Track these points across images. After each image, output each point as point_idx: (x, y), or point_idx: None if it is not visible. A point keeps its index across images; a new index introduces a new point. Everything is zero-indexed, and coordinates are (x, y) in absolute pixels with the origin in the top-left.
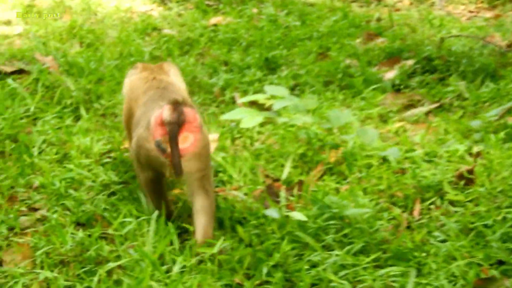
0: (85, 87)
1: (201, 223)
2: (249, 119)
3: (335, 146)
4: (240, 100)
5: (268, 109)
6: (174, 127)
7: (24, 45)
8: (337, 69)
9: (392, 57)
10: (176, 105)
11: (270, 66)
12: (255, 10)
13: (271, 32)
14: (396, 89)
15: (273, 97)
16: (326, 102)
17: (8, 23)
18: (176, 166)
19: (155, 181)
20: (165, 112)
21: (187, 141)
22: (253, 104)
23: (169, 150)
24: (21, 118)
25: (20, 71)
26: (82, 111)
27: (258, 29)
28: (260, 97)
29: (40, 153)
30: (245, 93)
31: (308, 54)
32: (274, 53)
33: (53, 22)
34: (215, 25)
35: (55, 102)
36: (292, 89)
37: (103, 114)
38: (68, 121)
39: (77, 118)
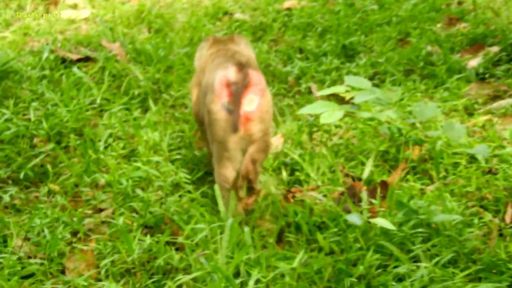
0: (154, 76)
1: (252, 149)
2: (329, 114)
3: (419, 142)
4: (319, 93)
5: (348, 101)
6: (238, 87)
7: (90, 30)
8: (418, 56)
9: (475, 44)
10: (241, 66)
11: (348, 54)
12: None
13: (348, 17)
14: (481, 78)
15: (353, 89)
16: (407, 93)
17: (74, 6)
18: (234, 123)
19: (226, 157)
20: (230, 73)
21: (252, 104)
22: (331, 95)
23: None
24: (87, 110)
25: (86, 59)
26: (151, 103)
27: (334, 13)
28: (340, 90)
29: (106, 147)
30: (321, 83)
31: (387, 40)
32: (352, 40)
33: (121, 5)
34: (289, 9)
35: (122, 92)
36: (371, 78)
37: (173, 105)
38: (136, 113)
39: (146, 109)
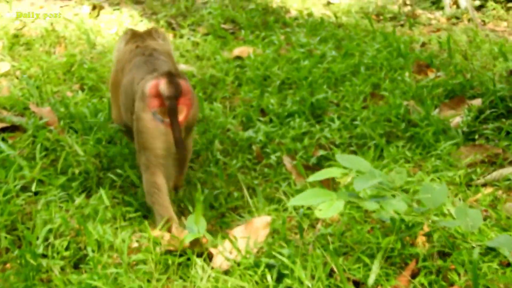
0: (95, 149)
1: (176, 172)
2: (327, 206)
3: (428, 234)
4: (310, 179)
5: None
6: (173, 102)
7: (13, 89)
8: (397, 115)
9: (454, 96)
10: (172, 77)
11: (316, 113)
12: (282, 37)
13: (308, 67)
14: (469, 138)
15: (349, 171)
16: (393, 164)
17: None
18: (178, 141)
19: (155, 163)
20: (162, 86)
21: (181, 114)
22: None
23: (166, 120)
24: (17, 195)
25: (12, 128)
26: (94, 185)
27: (291, 62)
28: (334, 173)
29: (47, 246)
30: (292, 152)
31: (357, 94)
32: (319, 97)
33: (46, 57)
34: (239, 58)
35: (59, 171)
36: (348, 144)
37: (122, 186)
38: (78, 199)
39: (89, 193)
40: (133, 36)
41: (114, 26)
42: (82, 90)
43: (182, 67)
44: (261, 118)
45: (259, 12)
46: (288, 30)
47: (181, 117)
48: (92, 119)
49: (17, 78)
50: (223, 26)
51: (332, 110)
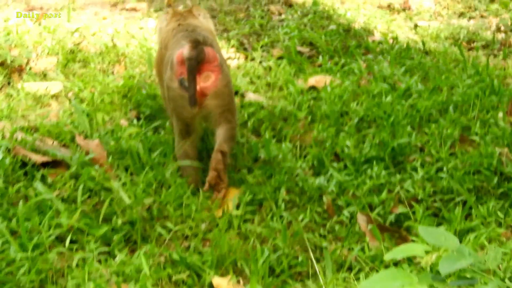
0: (144, 196)
1: (219, 140)
2: None
3: None
4: (387, 256)
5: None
6: (192, 63)
7: (62, 114)
8: (489, 166)
9: None
10: (196, 43)
11: (397, 159)
12: (363, 65)
13: (390, 103)
14: None
15: (434, 248)
16: (483, 227)
17: (43, 76)
18: (191, 97)
19: (186, 131)
20: (185, 50)
21: (208, 80)
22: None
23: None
24: (50, 248)
25: (54, 163)
26: (139, 239)
27: (372, 96)
28: (416, 251)
29: None
30: (368, 208)
31: (444, 138)
32: (401, 141)
33: (103, 77)
34: (314, 88)
35: (102, 219)
36: (433, 201)
37: (171, 239)
38: (120, 255)
39: (132, 248)
40: (175, 15)
41: None
42: (138, 118)
43: (251, 96)
44: (335, 164)
45: (340, 35)
46: (371, 57)
47: (208, 83)
48: (145, 156)
49: (69, 100)
50: (299, 48)
51: (415, 156)
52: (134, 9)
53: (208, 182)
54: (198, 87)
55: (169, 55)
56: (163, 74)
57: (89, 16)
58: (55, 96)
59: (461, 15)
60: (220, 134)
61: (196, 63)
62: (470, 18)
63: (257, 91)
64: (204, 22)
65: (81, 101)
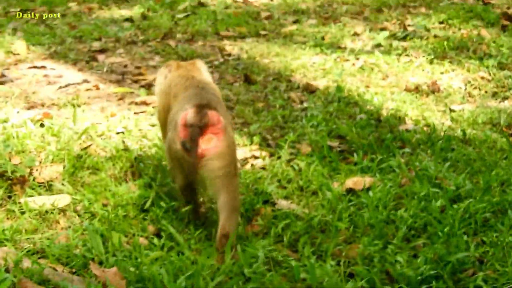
0: None
1: (222, 218)
2: None
3: None
4: None
5: None
6: (195, 129)
7: (72, 234)
8: None
9: None
10: (200, 108)
11: (456, 275)
12: (402, 160)
13: (439, 208)
14: None
15: None
16: None
17: (48, 187)
18: (192, 162)
19: (187, 186)
20: (189, 115)
21: (210, 143)
22: None
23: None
24: None
25: None
26: None
27: (418, 199)
28: None
29: None
30: None
31: (506, 248)
32: (459, 255)
33: (115, 185)
34: (353, 191)
35: None
36: None
37: None
38: None
39: None
40: (179, 66)
41: None
42: (158, 235)
43: (283, 204)
44: (388, 286)
45: (371, 125)
46: (408, 150)
47: (210, 145)
48: (171, 284)
49: (78, 215)
50: (329, 143)
51: (475, 270)
52: (144, 103)
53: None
54: (199, 150)
55: (176, 110)
56: (167, 124)
57: (95, 112)
58: (63, 211)
59: (494, 95)
60: (222, 208)
61: (198, 129)
62: (504, 98)
63: (288, 196)
64: (207, 76)
65: (92, 216)
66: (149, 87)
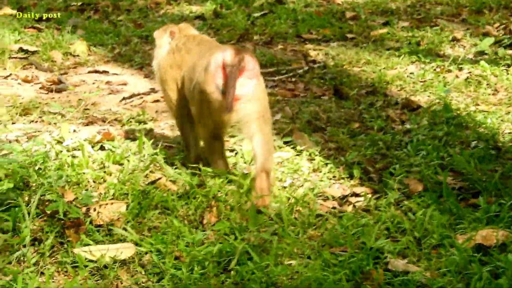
0: None
1: (261, 158)
2: None
3: None
4: None
5: None
6: (235, 70)
7: None
8: None
9: None
10: (238, 50)
11: None
12: None
13: None
14: None
15: None
16: None
17: (108, 231)
18: (228, 102)
19: (213, 137)
20: (227, 56)
21: (245, 87)
22: None
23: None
24: None
25: None
26: None
27: None
28: None
29: None
30: None
31: None
32: None
33: (189, 230)
34: (482, 246)
35: None
36: None
37: None
38: None
39: None
40: (181, 29)
41: None
42: None
43: (399, 265)
44: None
45: (490, 156)
46: None
47: (245, 89)
48: None
49: (144, 270)
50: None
51: None
52: None
53: (256, 203)
54: (236, 93)
55: (195, 62)
56: (177, 79)
57: (165, 131)
58: (125, 263)
59: None
60: (258, 148)
61: (237, 70)
62: None
63: (403, 252)
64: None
65: (161, 273)
66: None
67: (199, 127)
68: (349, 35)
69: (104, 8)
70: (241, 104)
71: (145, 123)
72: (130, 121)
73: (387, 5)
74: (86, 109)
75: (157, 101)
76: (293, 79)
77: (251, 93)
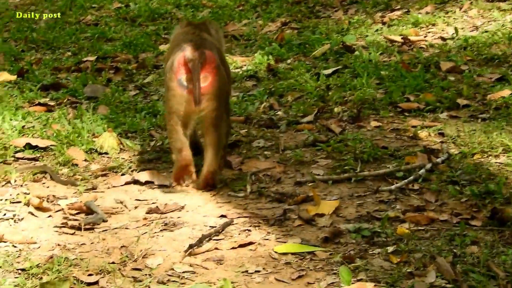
0: None
1: (208, 156)
2: None
3: None
4: None
5: None
6: (196, 64)
7: None
8: None
9: None
10: (197, 45)
11: None
12: None
13: None
14: None
15: None
16: None
17: None
18: (196, 96)
19: (181, 130)
20: (187, 52)
21: (205, 81)
22: None
23: (190, 86)
24: None
25: None
26: None
27: None
28: None
29: None
30: None
31: None
32: None
33: None
34: None
35: None
36: None
37: None
38: None
39: None
40: (188, 24)
41: None
42: None
43: None
44: None
45: None
46: None
47: (205, 83)
48: None
49: None
50: None
51: None
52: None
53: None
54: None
55: (170, 57)
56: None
57: None
58: None
59: None
60: (209, 146)
61: (199, 64)
62: None
63: None
64: (214, 34)
65: None
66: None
67: (168, 121)
68: (460, 100)
69: (125, 67)
70: (204, 99)
71: None
72: None
73: (490, 50)
74: (136, 269)
75: (243, 245)
76: (414, 186)
77: (211, 87)
